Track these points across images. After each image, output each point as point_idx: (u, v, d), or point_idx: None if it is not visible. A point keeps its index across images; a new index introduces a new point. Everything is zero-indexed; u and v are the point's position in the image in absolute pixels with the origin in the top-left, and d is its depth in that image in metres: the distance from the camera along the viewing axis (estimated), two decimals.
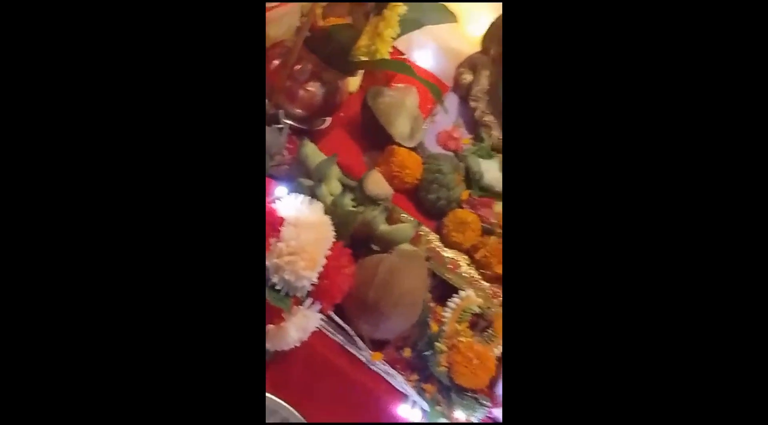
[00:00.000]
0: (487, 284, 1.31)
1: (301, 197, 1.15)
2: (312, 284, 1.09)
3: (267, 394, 1.20)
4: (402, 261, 1.21)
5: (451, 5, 1.58)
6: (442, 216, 1.35)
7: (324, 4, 1.40)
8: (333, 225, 1.16)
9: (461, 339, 1.22)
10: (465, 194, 1.37)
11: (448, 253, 1.33)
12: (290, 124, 1.38)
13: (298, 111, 1.43)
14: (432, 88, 1.36)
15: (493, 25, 1.67)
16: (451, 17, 1.58)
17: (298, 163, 1.30)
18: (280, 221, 1.11)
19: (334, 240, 1.14)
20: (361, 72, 1.58)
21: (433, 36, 1.82)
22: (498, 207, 1.37)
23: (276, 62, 1.43)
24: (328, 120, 1.50)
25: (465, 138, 1.50)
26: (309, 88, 1.42)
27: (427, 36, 1.82)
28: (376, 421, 1.17)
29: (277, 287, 1.08)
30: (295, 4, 1.50)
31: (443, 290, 1.29)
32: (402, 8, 1.39)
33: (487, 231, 1.35)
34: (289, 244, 1.09)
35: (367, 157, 1.40)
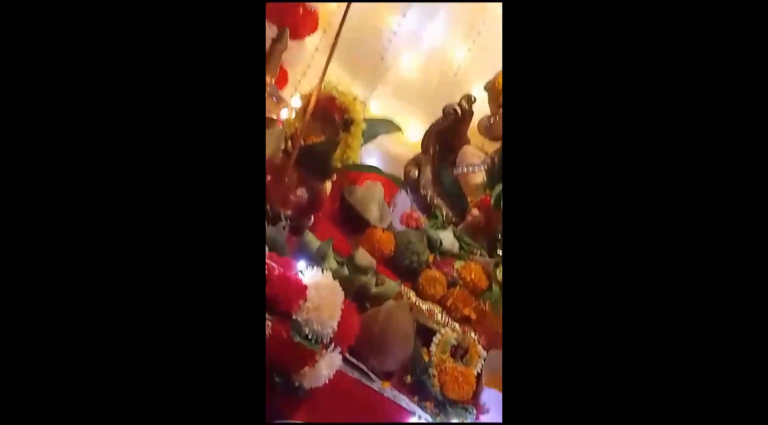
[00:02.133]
0: (457, 324, 1.69)
1: (315, 269, 1.51)
2: (333, 331, 1.45)
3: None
4: (393, 310, 1.58)
5: (397, 118, 2.04)
6: (416, 277, 1.74)
7: (300, 127, 1.81)
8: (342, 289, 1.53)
9: (447, 364, 1.58)
10: (431, 257, 1.77)
11: (425, 305, 1.71)
12: (287, 224, 1.76)
13: (290, 212, 1.81)
14: (396, 180, 1.78)
15: (427, 132, 2.12)
16: (397, 128, 2.03)
17: (301, 247, 1.67)
18: (305, 287, 1.47)
19: (343, 298, 1.51)
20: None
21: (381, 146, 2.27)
22: (458, 264, 1.77)
23: (269, 177, 1.82)
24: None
25: (422, 217, 1.92)
26: (298, 194, 1.81)
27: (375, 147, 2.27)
28: None
29: (309, 336, 1.43)
30: (276, 128, 1.91)
31: (426, 332, 1.66)
32: (364, 125, 1.82)
33: (451, 284, 1.74)
34: (314, 302, 1.45)
35: (351, 239, 1.79)
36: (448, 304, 1.71)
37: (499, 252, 1.79)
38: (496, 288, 1.75)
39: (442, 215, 1.93)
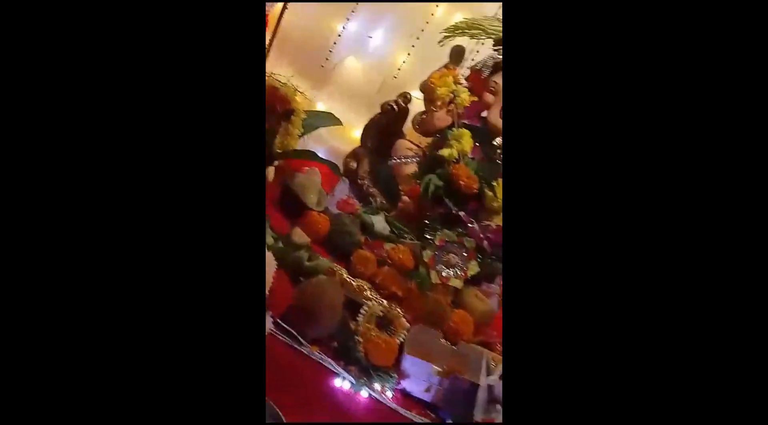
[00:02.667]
0: (384, 301, 1.82)
1: None
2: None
3: None
4: (324, 283, 1.71)
5: (341, 116, 2.18)
6: (348, 256, 1.87)
7: None
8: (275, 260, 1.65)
9: (372, 333, 1.70)
10: (363, 239, 1.90)
11: (356, 282, 1.83)
12: None
13: None
14: (332, 166, 1.92)
15: (366, 126, 2.26)
16: (338, 121, 2.17)
17: None
18: None
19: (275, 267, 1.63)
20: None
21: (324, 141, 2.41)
22: (388, 246, 1.90)
23: None
24: None
25: (357, 204, 2.06)
26: None
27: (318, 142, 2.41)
28: (319, 391, 1.61)
29: None
30: None
31: (355, 305, 1.79)
32: (304, 115, 1.96)
33: (381, 264, 1.87)
34: None
35: (290, 221, 1.92)
36: (377, 282, 1.83)
37: (427, 236, 1.93)
38: (422, 269, 1.89)
39: (376, 202, 2.06)
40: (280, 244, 1.76)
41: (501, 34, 2.05)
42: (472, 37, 2.11)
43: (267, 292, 1.56)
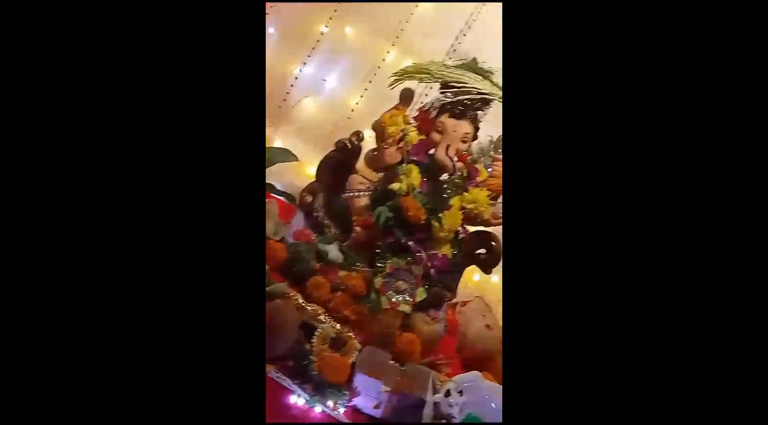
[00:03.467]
0: (338, 324, 1.93)
1: None
2: None
3: None
4: (279, 306, 1.82)
5: (294, 149, 2.31)
6: (304, 282, 1.98)
7: None
8: None
9: (325, 353, 1.81)
10: (317, 266, 2.02)
11: (310, 306, 1.94)
12: None
13: None
14: (290, 199, 2.05)
15: (321, 163, 2.40)
16: (294, 158, 2.30)
17: None
18: None
19: None
20: None
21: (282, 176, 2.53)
22: (341, 273, 2.03)
23: None
24: None
25: (313, 234, 2.18)
26: None
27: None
28: (276, 407, 1.70)
29: None
30: None
31: (310, 327, 1.90)
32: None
33: (335, 289, 1.99)
34: None
35: None
36: (331, 306, 1.95)
37: (378, 264, 2.06)
38: (373, 294, 2.01)
39: (330, 232, 2.19)
40: None
41: (447, 77, 2.20)
42: (420, 80, 2.26)
43: None
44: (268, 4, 2.15)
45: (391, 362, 1.87)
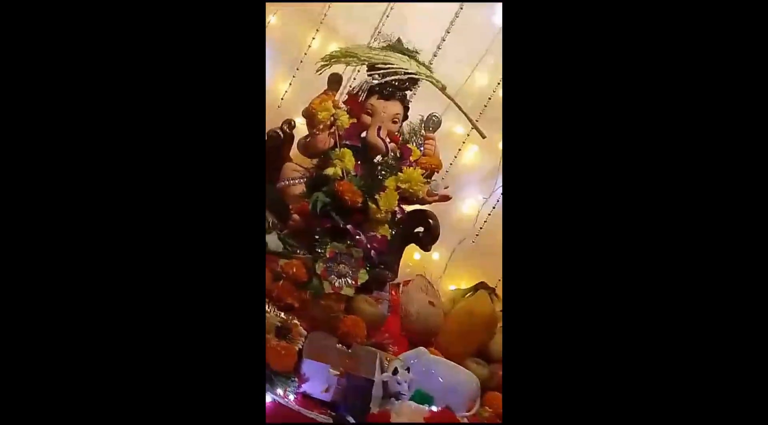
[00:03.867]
0: (282, 313, 1.94)
1: None
2: None
3: None
4: None
5: None
6: None
7: None
8: None
9: (271, 343, 1.82)
10: None
11: None
12: None
13: None
14: None
15: None
16: None
17: None
18: None
19: None
20: None
21: None
22: (281, 262, 2.02)
23: None
24: None
25: None
26: None
27: None
28: None
29: None
30: None
31: None
32: None
33: (276, 278, 1.99)
34: None
35: None
36: (274, 295, 1.95)
37: (318, 250, 2.06)
38: (315, 280, 2.02)
39: (268, 223, 2.18)
40: None
41: (374, 60, 2.21)
42: (347, 64, 2.26)
43: None
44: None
45: (338, 345, 1.89)
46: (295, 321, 1.90)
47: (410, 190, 2.20)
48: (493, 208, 2.49)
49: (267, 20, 2.54)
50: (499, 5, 2.34)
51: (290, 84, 2.53)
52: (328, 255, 2.06)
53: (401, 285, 2.35)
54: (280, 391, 1.75)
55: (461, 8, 2.53)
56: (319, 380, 1.81)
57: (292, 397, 1.77)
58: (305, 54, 2.52)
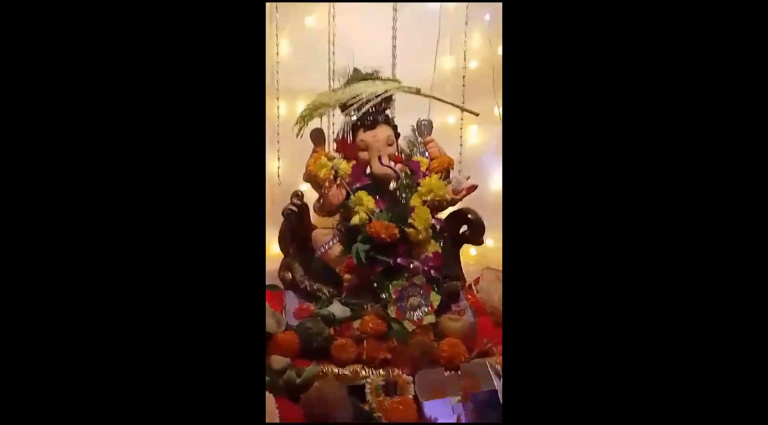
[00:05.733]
0: (380, 370, 1.92)
1: None
2: None
3: None
4: (322, 387, 1.80)
5: None
6: (329, 352, 1.96)
7: None
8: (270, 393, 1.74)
9: (385, 404, 1.80)
10: (331, 331, 2.01)
11: (347, 369, 1.93)
12: None
13: None
14: (271, 287, 2.04)
15: (279, 237, 2.38)
16: None
17: None
18: None
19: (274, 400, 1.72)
20: None
21: None
22: (356, 324, 2.00)
23: None
24: None
25: (311, 305, 2.15)
26: None
27: None
28: None
29: None
30: None
31: (359, 388, 1.88)
32: None
33: (359, 341, 1.97)
34: None
35: None
36: (364, 358, 1.94)
37: (382, 295, 2.05)
38: (395, 325, 2.00)
39: (325, 294, 2.17)
40: (266, 377, 1.84)
41: (342, 99, 2.21)
42: (320, 115, 2.26)
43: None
44: None
45: (447, 373, 1.86)
46: (397, 372, 1.88)
47: (436, 198, 2.17)
48: None
49: None
50: None
51: (278, 158, 2.53)
52: (394, 296, 2.04)
53: (474, 286, 2.32)
54: None
55: (395, 9, 2.51)
56: (446, 415, 1.78)
57: None
58: (278, 125, 2.52)
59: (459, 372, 1.85)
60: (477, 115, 2.33)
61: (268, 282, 2.30)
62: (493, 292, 2.20)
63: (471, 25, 2.62)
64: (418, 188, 2.19)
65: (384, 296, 2.05)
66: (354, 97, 2.19)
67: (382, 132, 2.23)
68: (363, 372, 1.91)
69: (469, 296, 2.25)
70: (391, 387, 1.85)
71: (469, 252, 2.56)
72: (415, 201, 2.17)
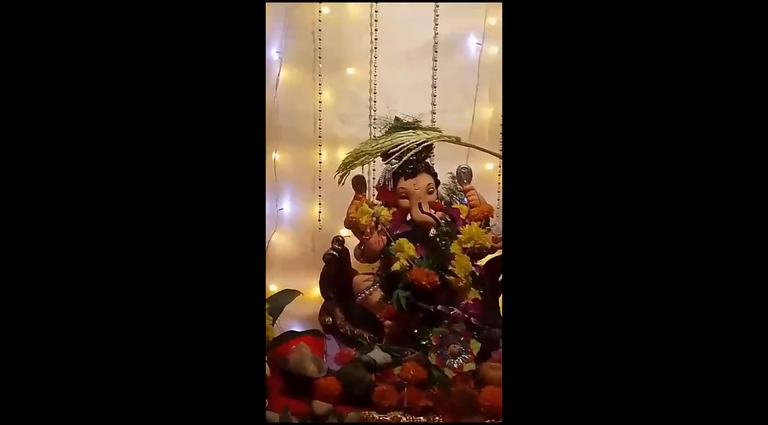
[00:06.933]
0: (421, 418, 1.92)
1: None
2: None
3: None
4: None
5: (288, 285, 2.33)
6: (370, 398, 1.97)
7: None
8: None
9: None
10: (373, 377, 2.01)
11: (388, 416, 1.93)
12: None
13: None
14: (314, 332, 2.06)
15: (320, 282, 2.41)
16: (297, 292, 2.32)
17: None
18: None
19: None
20: None
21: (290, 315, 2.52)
22: (396, 370, 2.01)
23: None
24: None
25: (352, 351, 2.17)
26: None
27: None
28: None
29: None
30: None
31: None
32: (267, 305, 2.10)
33: (399, 388, 1.98)
34: None
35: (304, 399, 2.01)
36: (405, 405, 1.94)
37: (423, 342, 2.06)
38: (435, 372, 2.01)
39: (366, 340, 2.19)
40: (308, 422, 1.86)
41: (383, 148, 2.26)
42: (362, 164, 2.31)
43: None
44: None
45: (487, 421, 1.86)
46: (437, 419, 1.88)
47: (477, 246, 2.19)
48: None
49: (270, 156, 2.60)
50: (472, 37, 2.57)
51: (319, 203, 2.57)
52: (434, 343, 2.05)
53: None
54: None
55: (435, 60, 2.57)
56: None
57: None
58: (319, 171, 2.57)
59: (501, 422, 1.84)
60: None
61: (308, 326, 2.34)
62: None
63: None
64: (459, 236, 2.21)
65: (424, 343, 2.06)
66: (395, 146, 2.24)
67: (423, 180, 2.28)
68: (404, 419, 1.91)
69: None
70: None
71: None
72: (455, 248, 2.19)
